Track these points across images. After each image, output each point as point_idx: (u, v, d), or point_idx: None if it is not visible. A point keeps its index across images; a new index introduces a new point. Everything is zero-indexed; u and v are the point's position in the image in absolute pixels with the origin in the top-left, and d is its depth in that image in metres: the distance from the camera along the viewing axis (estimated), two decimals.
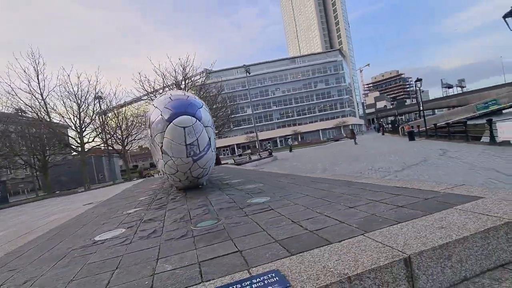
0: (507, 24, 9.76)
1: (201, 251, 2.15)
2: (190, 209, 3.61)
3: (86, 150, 20.65)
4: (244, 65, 27.23)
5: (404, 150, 14.59)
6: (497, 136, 11.59)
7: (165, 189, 7.03)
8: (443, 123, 23.64)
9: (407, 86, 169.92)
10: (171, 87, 19.14)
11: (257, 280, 1.56)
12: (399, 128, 31.95)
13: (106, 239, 2.99)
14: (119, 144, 21.75)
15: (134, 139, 22.86)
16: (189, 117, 3.60)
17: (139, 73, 19.46)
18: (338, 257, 1.67)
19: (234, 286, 1.53)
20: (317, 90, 70.25)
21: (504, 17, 9.68)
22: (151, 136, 4.90)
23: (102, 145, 22.11)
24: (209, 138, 4.01)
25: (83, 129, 19.02)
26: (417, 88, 24.77)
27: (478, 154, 9.72)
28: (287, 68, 71.71)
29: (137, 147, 25.41)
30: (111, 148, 21.98)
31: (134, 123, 22.12)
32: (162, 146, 3.87)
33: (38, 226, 5.22)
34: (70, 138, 19.08)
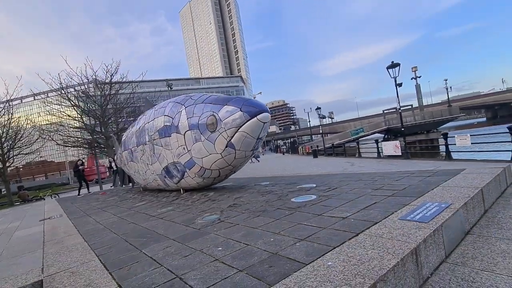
0: (389, 73, 14.10)
1: (345, 207, 2.91)
2: (261, 195, 4.08)
3: None
4: (167, 79, 26.39)
5: (318, 164, 17.57)
6: (382, 152, 15.78)
7: (147, 194, 6.56)
8: (337, 143, 29.51)
9: (292, 114, 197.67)
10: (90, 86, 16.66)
11: (426, 206, 2.55)
12: (298, 148, 37.26)
13: (219, 219, 3.21)
14: None
15: (19, 153, 17.89)
16: (269, 114, 4.15)
17: (58, 74, 16.15)
18: (450, 192, 2.85)
19: (421, 208, 2.47)
20: None
21: (387, 68, 13.97)
22: (182, 135, 4.94)
23: None
24: None
25: None
26: (321, 116, 30.29)
27: (377, 163, 13.09)
28: (192, 87, 72.09)
29: (22, 163, 19.93)
30: None
31: (22, 131, 17.41)
32: (230, 139, 4.18)
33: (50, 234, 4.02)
34: None
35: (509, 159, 8.12)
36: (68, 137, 17.76)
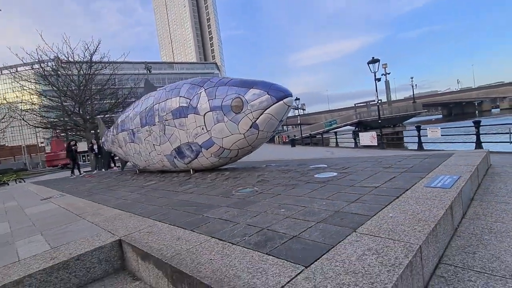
0: (369, 68, 15.01)
1: (370, 180, 3.38)
2: (283, 172, 4.45)
3: None
4: (146, 62, 25.26)
5: (299, 152, 18.31)
6: (359, 142, 16.88)
7: (150, 175, 6.61)
8: (316, 133, 30.75)
9: None
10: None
11: (440, 178, 3.09)
12: (274, 137, 38.09)
13: (256, 191, 3.53)
14: None
15: None
16: (293, 98, 4.45)
17: (36, 49, 14.81)
18: (453, 169, 3.44)
19: (437, 180, 3.01)
20: None
21: (368, 63, 14.85)
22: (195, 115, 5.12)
23: None
24: None
25: None
26: (298, 107, 31.11)
27: (355, 152, 14.04)
28: (164, 72, 69.51)
29: None
30: None
31: None
32: (255, 121, 4.46)
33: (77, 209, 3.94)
34: None
35: (473, 149, 9.30)
36: (42, 117, 16.56)
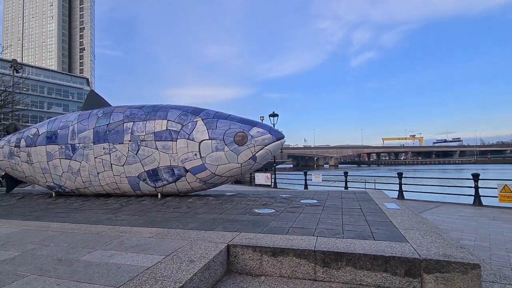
0: (270, 120, 18.06)
1: (347, 205, 4.89)
2: (270, 198, 5.27)
3: None
4: (14, 59, 19.16)
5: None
6: (253, 181, 19.11)
7: (90, 200, 5.64)
8: None
9: None
10: None
11: (386, 204, 4.95)
12: None
13: (276, 211, 4.32)
14: None
15: None
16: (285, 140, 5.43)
17: None
18: (382, 199, 5.46)
19: (386, 205, 4.83)
20: (51, 112, 58.42)
21: (270, 115, 17.89)
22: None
23: None
24: None
25: None
26: None
27: (255, 188, 15.96)
28: (11, 74, 54.16)
29: None
30: None
31: None
32: (255, 154, 5.12)
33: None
34: None
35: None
36: None
